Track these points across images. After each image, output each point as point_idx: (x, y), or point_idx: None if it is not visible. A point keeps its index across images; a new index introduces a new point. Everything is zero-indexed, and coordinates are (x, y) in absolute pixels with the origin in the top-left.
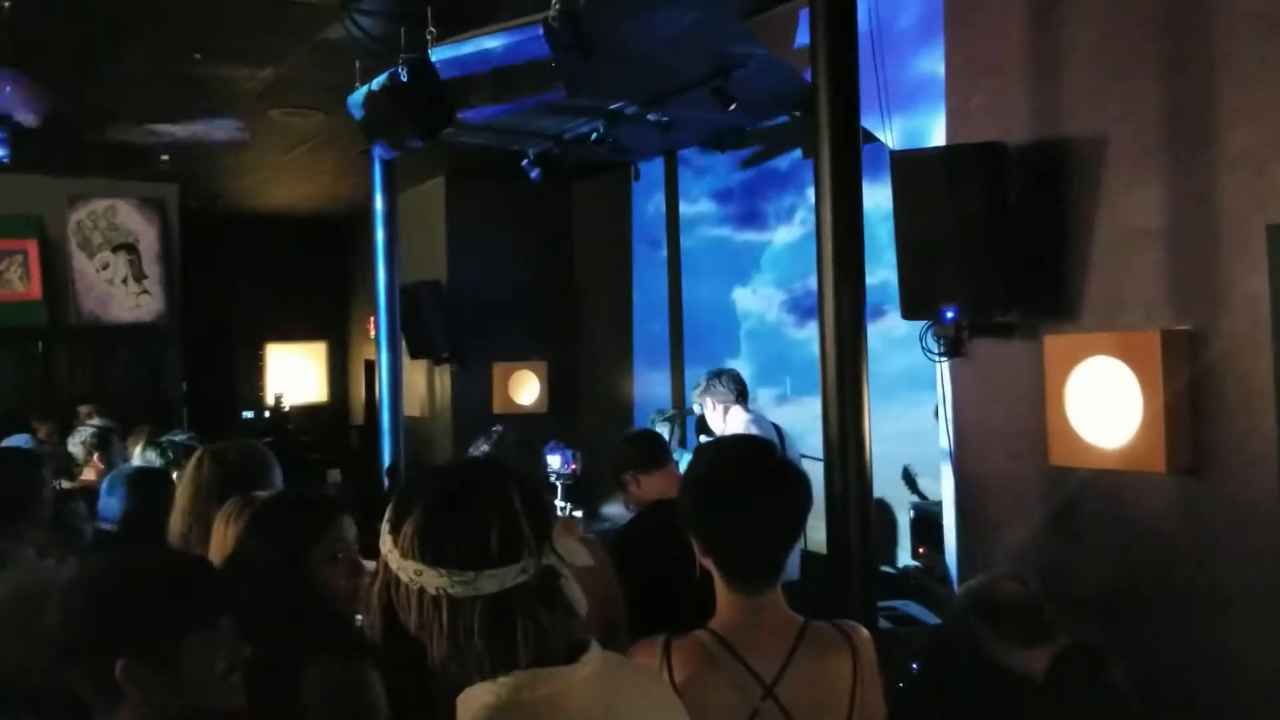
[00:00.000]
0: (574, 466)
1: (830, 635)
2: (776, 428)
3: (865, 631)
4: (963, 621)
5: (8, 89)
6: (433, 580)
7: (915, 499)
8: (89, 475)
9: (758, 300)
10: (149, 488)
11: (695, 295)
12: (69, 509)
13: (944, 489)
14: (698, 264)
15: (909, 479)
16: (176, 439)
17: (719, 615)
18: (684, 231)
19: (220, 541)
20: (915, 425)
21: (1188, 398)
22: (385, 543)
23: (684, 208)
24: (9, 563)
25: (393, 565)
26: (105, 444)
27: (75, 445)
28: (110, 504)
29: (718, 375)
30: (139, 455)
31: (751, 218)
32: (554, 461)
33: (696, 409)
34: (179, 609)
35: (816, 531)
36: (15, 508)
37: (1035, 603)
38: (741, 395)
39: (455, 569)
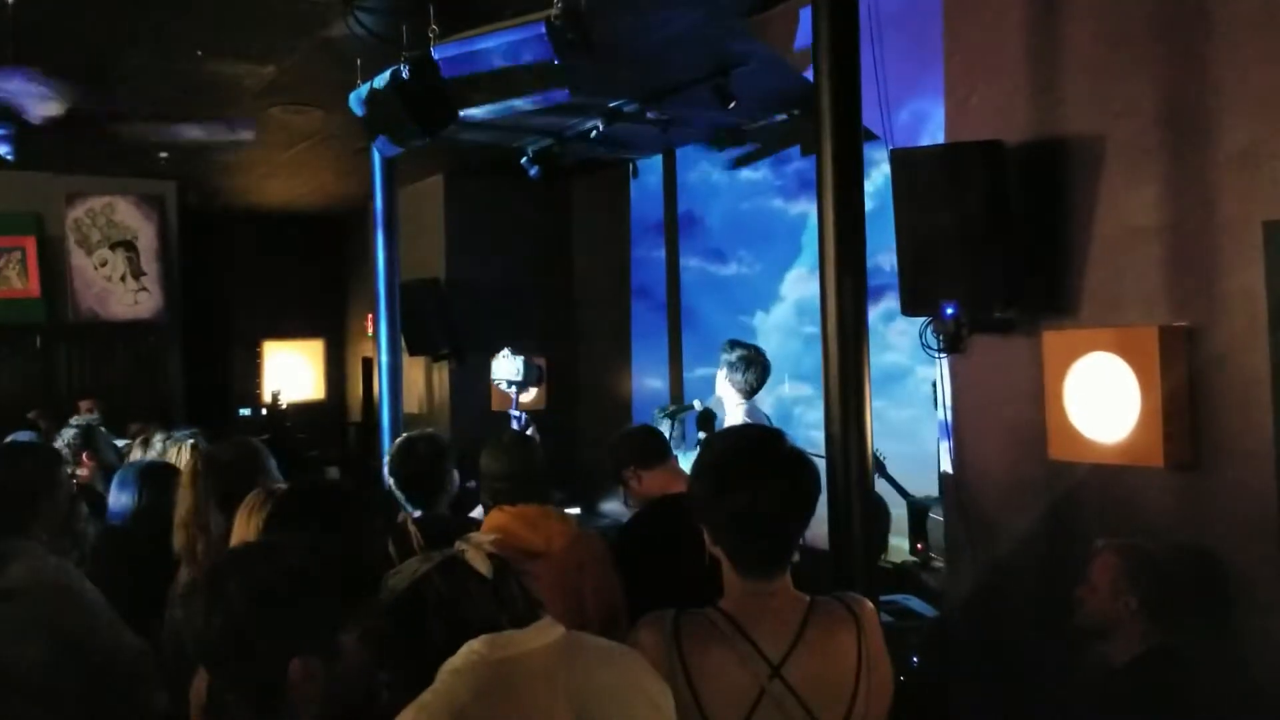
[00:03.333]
0: (525, 371)
1: (836, 611)
2: (767, 419)
3: (870, 605)
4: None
5: (14, 85)
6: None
7: (916, 488)
8: (81, 473)
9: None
10: (160, 483)
11: (734, 276)
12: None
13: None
14: (742, 237)
15: (877, 464)
16: (173, 434)
17: (726, 598)
18: (734, 199)
19: (243, 534)
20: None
21: (1186, 393)
22: None
23: (729, 176)
24: (17, 560)
25: None
26: (89, 441)
27: (61, 447)
28: (121, 500)
29: (747, 358)
30: (134, 453)
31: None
32: (503, 369)
33: (696, 404)
34: (341, 603)
35: (816, 525)
36: (25, 504)
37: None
38: (749, 383)
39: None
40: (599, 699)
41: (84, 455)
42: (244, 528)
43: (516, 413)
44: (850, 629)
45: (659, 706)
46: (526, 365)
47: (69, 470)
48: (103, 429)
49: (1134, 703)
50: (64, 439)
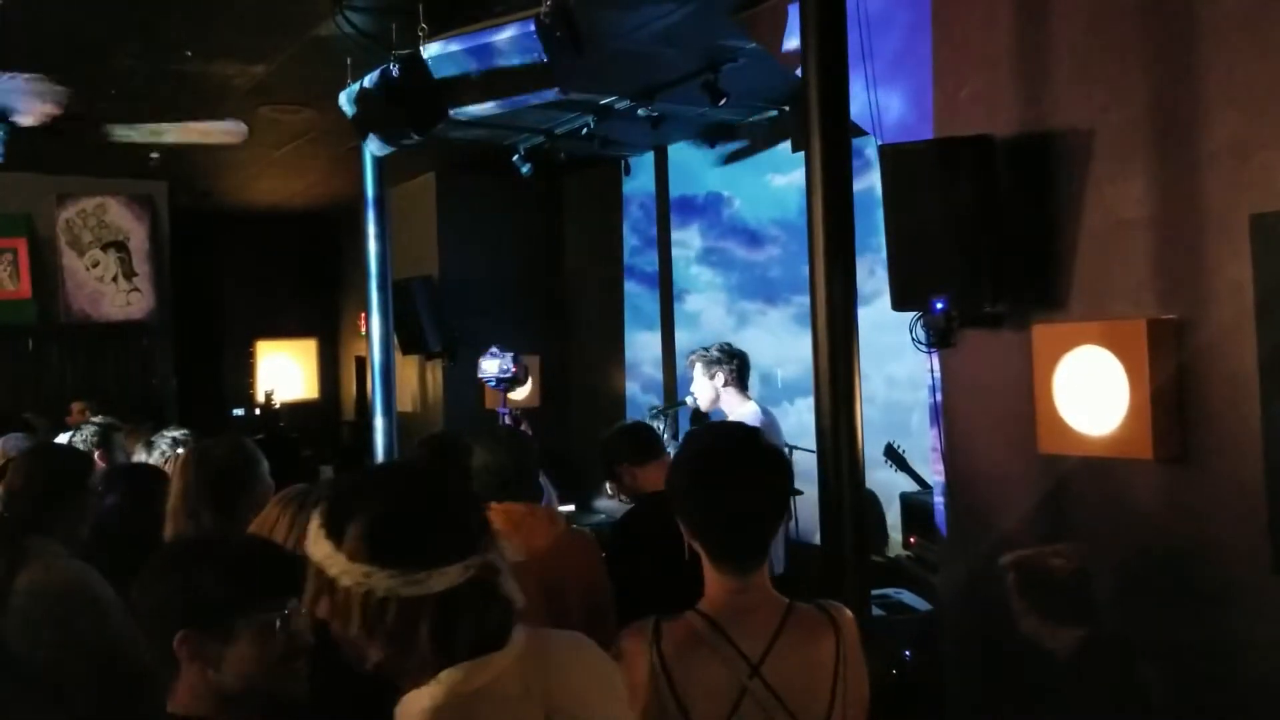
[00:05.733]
0: (514, 369)
1: (814, 616)
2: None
3: (849, 612)
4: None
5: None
6: (383, 582)
7: (908, 486)
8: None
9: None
10: (143, 484)
11: (765, 260)
12: None
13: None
14: (779, 218)
15: (895, 456)
16: (175, 435)
17: (706, 597)
18: (774, 175)
19: (270, 528)
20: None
21: (1174, 385)
22: (321, 548)
23: (771, 152)
24: (36, 559)
25: (333, 570)
26: (107, 442)
27: (77, 443)
28: (103, 501)
29: (725, 352)
30: (137, 454)
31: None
32: (491, 367)
33: (689, 400)
34: (237, 586)
35: (808, 521)
36: (53, 505)
37: (1083, 584)
38: (741, 379)
39: (409, 569)
40: (567, 697)
41: (97, 455)
42: (275, 524)
43: (504, 409)
44: (829, 633)
45: (615, 687)
46: (514, 362)
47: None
48: (118, 433)
49: (1085, 696)
50: (82, 435)
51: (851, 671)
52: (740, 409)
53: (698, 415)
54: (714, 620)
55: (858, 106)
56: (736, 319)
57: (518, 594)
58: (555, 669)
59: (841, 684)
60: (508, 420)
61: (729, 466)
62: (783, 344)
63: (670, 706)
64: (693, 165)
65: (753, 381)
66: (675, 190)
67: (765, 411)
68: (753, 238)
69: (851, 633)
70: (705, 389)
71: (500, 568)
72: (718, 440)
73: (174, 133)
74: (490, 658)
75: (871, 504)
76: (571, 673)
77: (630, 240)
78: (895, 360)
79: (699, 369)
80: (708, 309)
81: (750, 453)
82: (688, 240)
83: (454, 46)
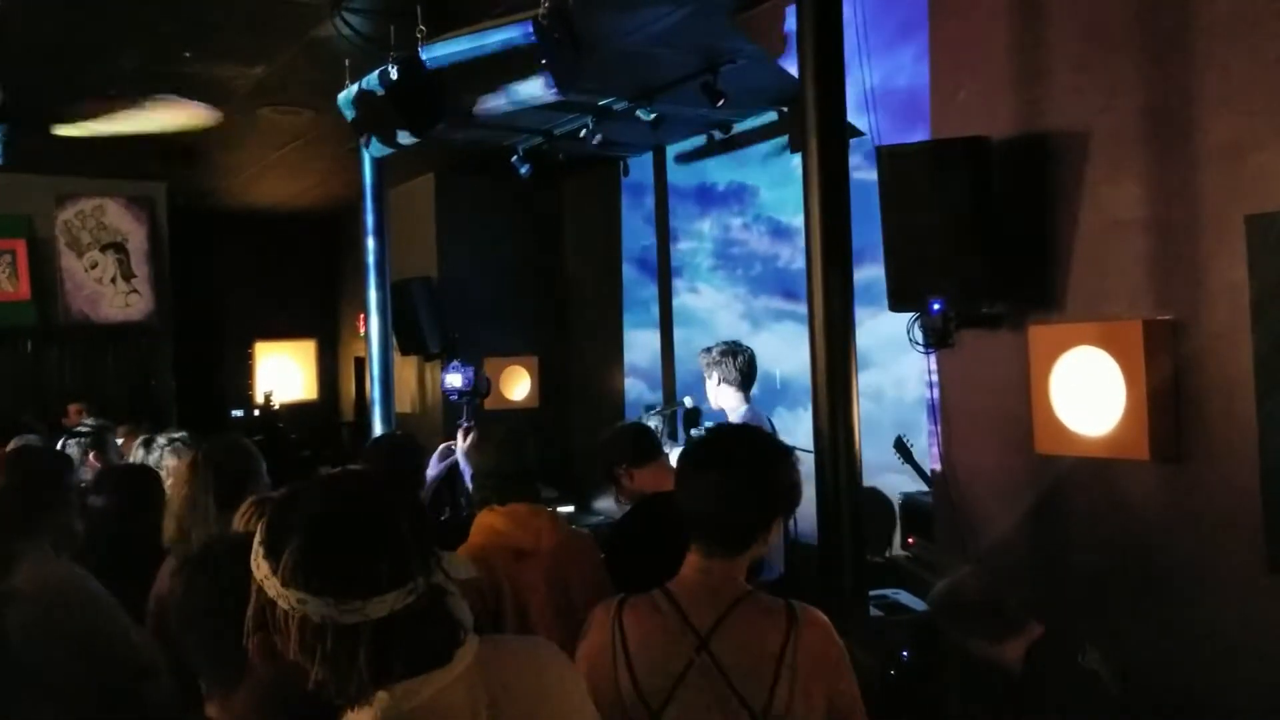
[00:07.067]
0: (475, 382)
1: (770, 605)
2: (769, 423)
3: (821, 615)
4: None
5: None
6: (318, 609)
7: (913, 483)
8: (85, 475)
9: None
10: (137, 485)
11: (794, 252)
12: None
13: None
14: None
15: (904, 450)
16: (173, 436)
17: (676, 576)
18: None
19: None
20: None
21: (1170, 386)
22: (261, 568)
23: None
24: (26, 562)
25: (271, 592)
26: (101, 444)
27: (71, 446)
28: (97, 502)
29: (723, 352)
30: (134, 454)
31: None
32: (455, 380)
33: (687, 402)
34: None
35: (807, 522)
36: (37, 508)
37: (995, 600)
38: (742, 379)
39: (343, 597)
40: (515, 709)
41: (91, 456)
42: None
43: (464, 422)
44: (779, 624)
45: (571, 695)
46: (477, 376)
47: (78, 475)
48: (111, 434)
49: (1037, 698)
50: (77, 438)
51: (801, 665)
52: (737, 410)
53: (690, 417)
54: (673, 596)
55: (899, 97)
56: (752, 317)
57: (467, 615)
58: (504, 681)
59: (789, 672)
60: (460, 433)
61: (719, 453)
62: (795, 345)
63: (623, 673)
64: (709, 157)
65: (760, 382)
66: (693, 181)
67: (757, 417)
68: (776, 230)
69: (814, 632)
70: (710, 389)
71: (448, 589)
72: (707, 435)
73: (143, 120)
74: (431, 675)
75: (883, 504)
76: (521, 684)
77: (642, 237)
78: (905, 358)
79: (703, 369)
80: (724, 305)
81: (744, 444)
82: (704, 232)
83: (452, 48)
